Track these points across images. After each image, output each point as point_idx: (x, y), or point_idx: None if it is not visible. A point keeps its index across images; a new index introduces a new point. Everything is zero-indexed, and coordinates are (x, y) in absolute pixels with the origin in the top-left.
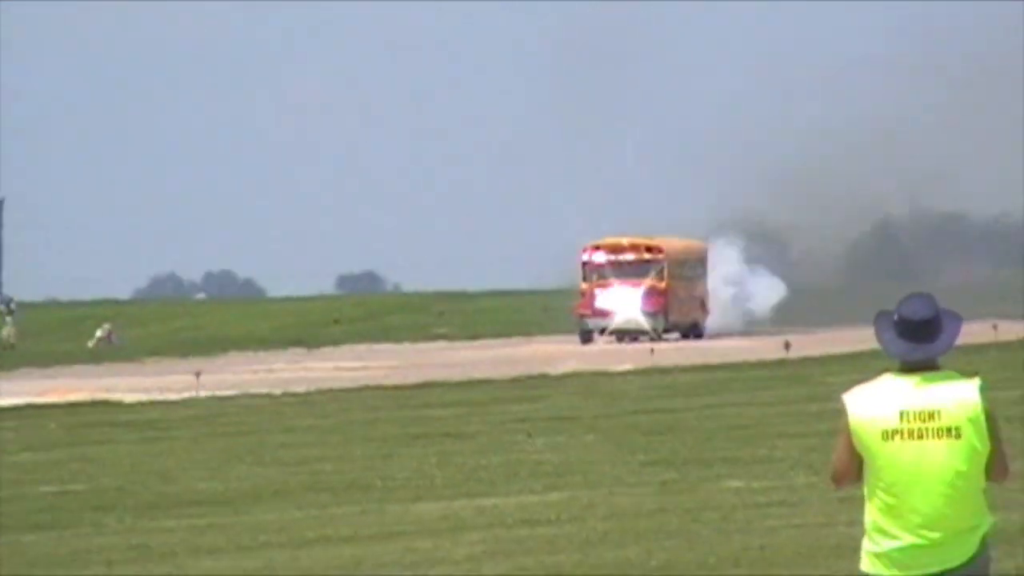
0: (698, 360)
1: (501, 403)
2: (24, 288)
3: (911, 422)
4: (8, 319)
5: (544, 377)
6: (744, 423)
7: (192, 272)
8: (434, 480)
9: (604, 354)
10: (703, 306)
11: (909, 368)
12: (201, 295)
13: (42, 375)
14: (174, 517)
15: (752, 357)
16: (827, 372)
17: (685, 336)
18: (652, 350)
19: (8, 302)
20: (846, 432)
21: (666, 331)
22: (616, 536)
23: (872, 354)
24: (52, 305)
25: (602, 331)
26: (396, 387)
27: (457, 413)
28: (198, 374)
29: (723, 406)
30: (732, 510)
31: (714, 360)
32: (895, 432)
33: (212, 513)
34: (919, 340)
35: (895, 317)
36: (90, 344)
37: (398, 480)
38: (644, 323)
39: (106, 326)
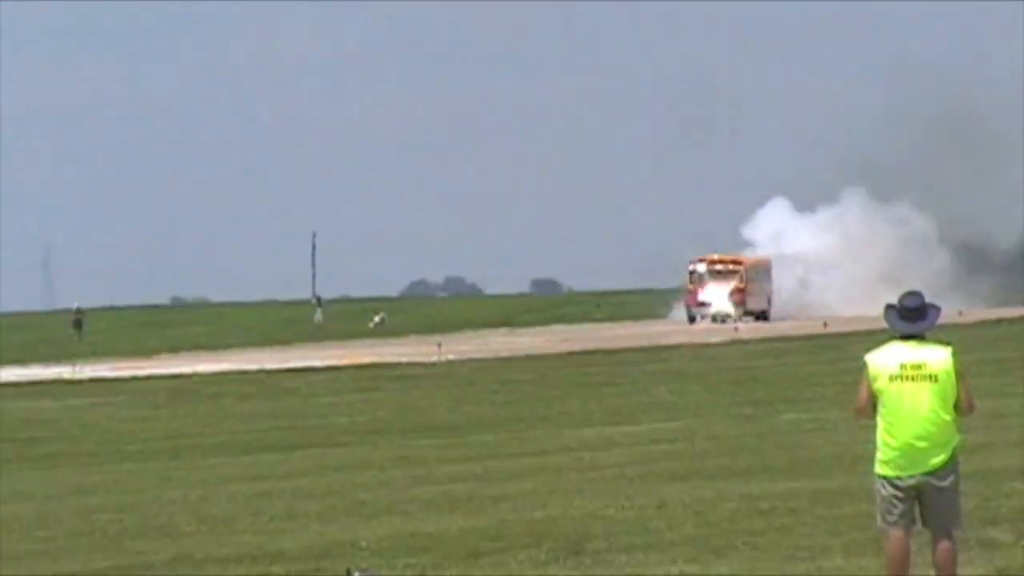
0: (766, 334)
1: (637, 364)
2: (328, 289)
3: (907, 370)
4: (319, 309)
5: (665, 347)
6: (797, 375)
7: (436, 277)
8: (593, 414)
9: (704, 331)
10: (768, 300)
11: (906, 338)
12: (442, 293)
13: (340, 346)
14: (424, 438)
15: (802, 332)
16: (851, 342)
17: (757, 319)
18: (736, 328)
19: (319, 298)
20: (866, 380)
21: (745, 316)
22: (714, 451)
23: (882, 330)
24: (345, 300)
25: (703, 316)
26: (569, 353)
27: (608, 370)
28: (439, 345)
29: (783, 365)
30: (789, 434)
31: (776, 334)
32: (897, 376)
33: (449, 436)
34: (913, 320)
35: (897, 306)
36: (370, 326)
37: (570, 414)
38: (730, 311)
39: (381, 314)
